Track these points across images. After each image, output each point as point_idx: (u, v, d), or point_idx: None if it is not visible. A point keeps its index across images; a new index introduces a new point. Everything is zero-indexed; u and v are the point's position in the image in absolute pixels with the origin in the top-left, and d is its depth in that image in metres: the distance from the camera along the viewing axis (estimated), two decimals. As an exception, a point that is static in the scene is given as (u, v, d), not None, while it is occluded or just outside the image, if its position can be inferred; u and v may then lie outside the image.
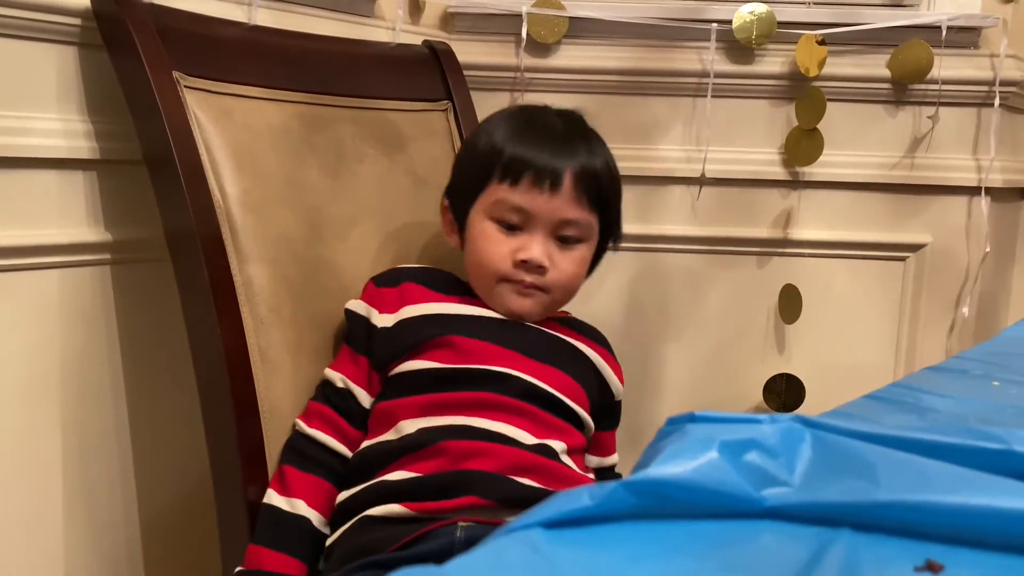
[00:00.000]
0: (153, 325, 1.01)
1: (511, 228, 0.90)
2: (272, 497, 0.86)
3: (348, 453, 0.89)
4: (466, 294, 0.95)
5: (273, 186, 0.95)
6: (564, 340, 0.95)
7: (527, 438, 0.84)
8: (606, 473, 1.02)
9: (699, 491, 0.32)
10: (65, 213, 0.93)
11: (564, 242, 0.92)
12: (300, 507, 0.85)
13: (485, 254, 0.91)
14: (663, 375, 1.41)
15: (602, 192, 0.93)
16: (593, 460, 0.99)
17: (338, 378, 0.90)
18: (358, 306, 0.93)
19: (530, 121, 0.94)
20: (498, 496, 0.79)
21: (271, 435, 0.90)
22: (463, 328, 0.90)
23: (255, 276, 0.91)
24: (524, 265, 0.90)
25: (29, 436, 0.92)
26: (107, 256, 0.97)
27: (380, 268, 1.00)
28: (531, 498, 0.77)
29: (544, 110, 0.97)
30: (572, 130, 0.94)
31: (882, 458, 0.33)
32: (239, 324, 0.89)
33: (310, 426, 0.89)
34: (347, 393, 0.90)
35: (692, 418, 0.35)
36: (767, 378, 1.37)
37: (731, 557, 0.30)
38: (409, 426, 0.85)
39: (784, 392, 1.36)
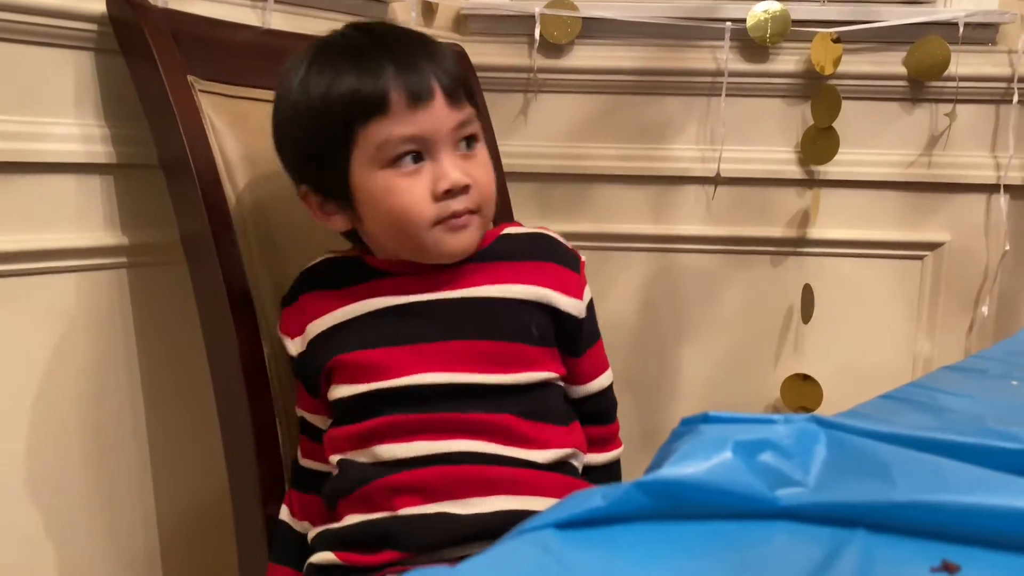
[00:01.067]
0: (169, 328, 1.02)
1: (416, 162, 0.77)
2: (284, 514, 0.87)
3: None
4: (365, 278, 0.83)
5: (287, 190, 0.95)
6: (476, 298, 0.82)
7: (449, 447, 0.78)
8: (593, 400, 0.90)
9: (713, 491, 0.31)
10: (82, 217, 0.94)
11: (468, 148, 0.79)
12: (308, 528, 0.86)
13: (404, 207, 0.77)
14: (678, 376, 1.41)
15: (469, 83, 0.81)
16: (578, 391, 0.89)
17: (296, 409, 0.88)
18: (282, 335, 0.86)
19: (342, 49, 0.79)
20: (417, 546, 0.76)
21: (286, 438, 0.90)
22: (360, 337, 0.81)
23: (269, 280, 0.92)
24: (448, 195, 0.77)
25: (47, 437, 0.93)
26: (124, 259, 0.98)
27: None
28: (455, 539, 0.75)
29: (343, 35, 0.82)
30: (395, 34, 0.81)
31: (897, 458, 0.32)
32: (255, 327, 0.89)
33: (302, 457, 0.89)
34: (306, 421, 0.88)
35: (706, 418, 0.35)
36: (783, 378, 1.36)
37: (745, 558, 0.30)
38: (338, 462, 0.82)
39: (801, 393, 1.35)
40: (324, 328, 0.83)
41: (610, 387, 0.92)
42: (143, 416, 1.01)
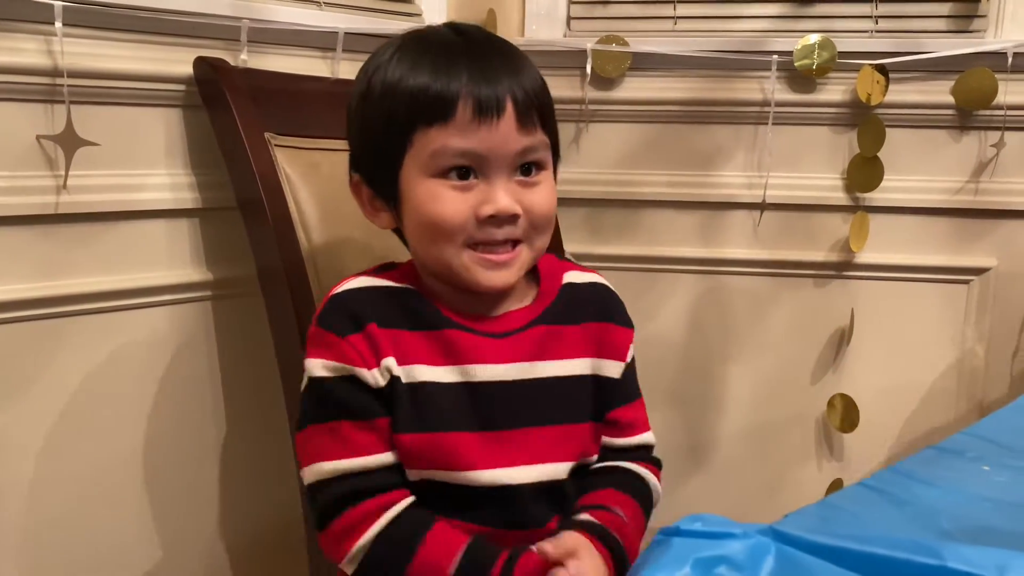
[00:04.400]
0: (249, 353, 1.12)
1: (462, 179, 0.72)
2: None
3: None
4: (437, 325, 0.75)
5: (354, 231, 1.04)
6: (549, 379, 0.77)
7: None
8: (624, 454, 0.82)
9: (674, 599, 0.39)
10: (172, 256, 1.05)
11: (526, 174, 0.74)
12: None
13: (441, 218, 0.72)
14: (724, 394, 1.46)
15: (546, 106, 0.75)
16: (615, 442, 0.82)
17: (349, 461, 0.73)
18: (325, 367, 0.73)
19: (429, 44, 0.74)
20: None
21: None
22: (434, 407, 0.73)
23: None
24: (492, 220, 0.72)
25: (141, 447, 1.04)
26: (208, 293, 1.08)
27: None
28: None
29: (435, 30, 0.77)
30: (483, 42, 0.75)
31: (828, 574, 0.40)
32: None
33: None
34: (372, 473, 0.74)
35: (678, 531, 0.42)
36: (827, 398, 1.41)
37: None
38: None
39: (843, 412, 1.40)
40: (416, 380, 0.73)
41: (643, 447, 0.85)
42: (224, 430, 1.12)
